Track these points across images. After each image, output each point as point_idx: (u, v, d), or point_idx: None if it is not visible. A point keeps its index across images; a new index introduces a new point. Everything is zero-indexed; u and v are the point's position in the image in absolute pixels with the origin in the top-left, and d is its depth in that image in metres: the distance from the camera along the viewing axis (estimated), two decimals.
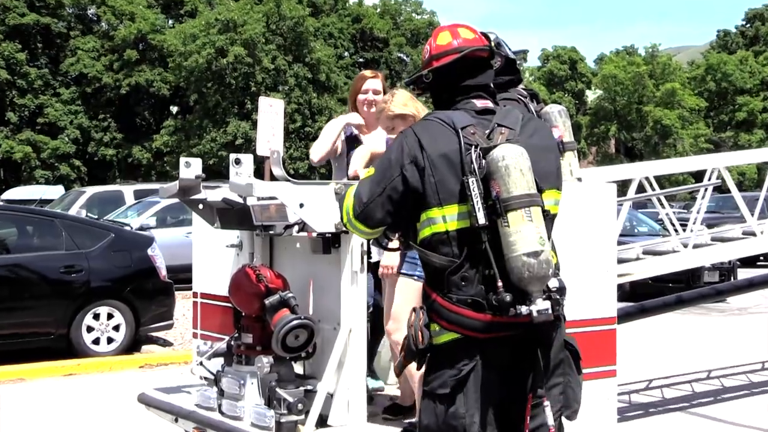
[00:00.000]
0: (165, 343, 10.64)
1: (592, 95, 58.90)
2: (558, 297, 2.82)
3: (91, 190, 21.13)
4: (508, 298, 2.74)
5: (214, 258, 5.05)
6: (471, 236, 2.81)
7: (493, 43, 5.05)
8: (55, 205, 19.58)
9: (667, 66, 54.70)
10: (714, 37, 62.59)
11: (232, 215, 4.60)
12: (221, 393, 4.28)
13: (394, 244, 3.25)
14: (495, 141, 2.87)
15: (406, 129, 3.03)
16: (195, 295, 5.28)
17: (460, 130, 2.88)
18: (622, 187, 7.39)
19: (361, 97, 5.28)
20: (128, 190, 20.19)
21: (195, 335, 5.25)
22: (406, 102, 4.60)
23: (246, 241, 4.73)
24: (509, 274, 2.75)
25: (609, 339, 4.45)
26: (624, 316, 6.98)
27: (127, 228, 11.62)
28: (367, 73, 5.41)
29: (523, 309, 2.74)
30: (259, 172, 5.75)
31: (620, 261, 6.93)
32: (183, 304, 11.45)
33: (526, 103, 4.80)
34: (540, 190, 2.85)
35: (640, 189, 7.86)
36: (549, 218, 2.91)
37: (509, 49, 4.99)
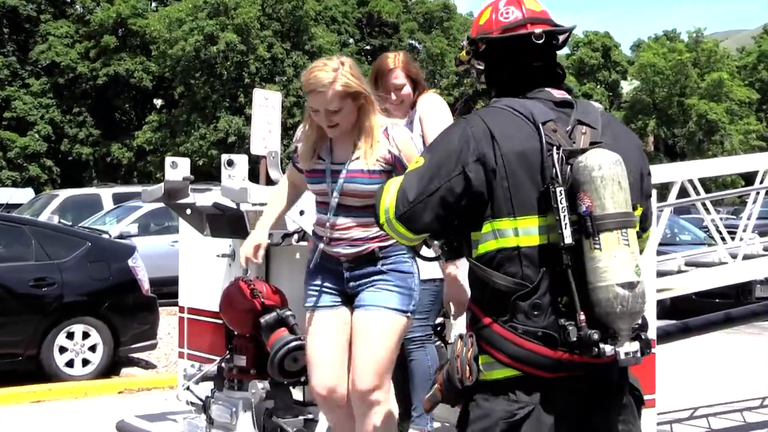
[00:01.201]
0: (147, 366, 10.65)
1: (627, 86, 58.86)
2: (646, 336, 2.66)
3: (64, 194, 21.19)
4: (595, 335, 2.56)
5: (203, 269, 5.07)
6: (549, 256, 2.62)
7: None
8: (24, 210, 19.64)
9: (713, 53, 54.63)
10: (767, 20, 62.56)
11: (224, 222, 4.62)
12: (210, 422, 4.29)
13: (431, 252, 3.00)
14: (578, 143, 2.68)
15: (471, 115, 2.77)
16: (181, 310, 5.30)
17: (541, 126, 2.68)
18: (662, 190, 7.39)
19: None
20: (106, 194, 20.23)
21: (181, 355, 5.27)
22: (359, 75, 3.97)
23: (239, 251, 4.75)
24: (594, 306, 2.57)
25: (647, 365, 4.43)
26: (664, 336, 6.96)
27: (105, 236, 11.64)
28: (390, 60, 4.82)
29: (608, 348, 2.56)
30: (254, 174, 5.76)
31: (660, 274, 6.92)
32: (168, 321, 11.45)
33: None
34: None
35: (683, 193, 7.85)
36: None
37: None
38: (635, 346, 2.60)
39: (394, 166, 3.77)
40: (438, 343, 4.90)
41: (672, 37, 57.58)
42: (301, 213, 3.88)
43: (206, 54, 42.62)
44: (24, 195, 25.68)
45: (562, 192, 2.58)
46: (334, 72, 3.76)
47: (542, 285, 2.63)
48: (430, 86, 4.95)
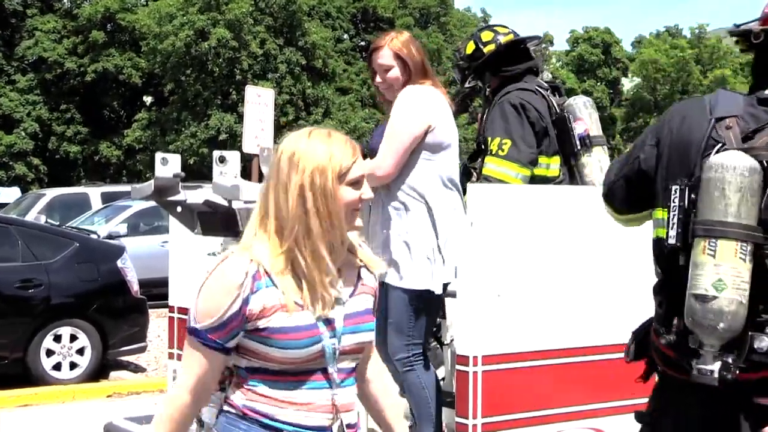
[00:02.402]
0: (137, 369, 10.65)
1: (628, 83, 58.96)
2: (734, 360, 2.57)
3: (51, 193, 21.18)
4: (671, 339, 2.65)
5: (193, 268, 5.07)
6: (669, 253, 2.66)
7: (508, 32, 5.23)
8: (10, 210, 19.63)
9: (716, 50, 54.79)
10: None
11: (216, 220, 4.62)
12: (201, 424, 4.28)
13: None
14: (754, 144, 2.61)
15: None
16: (171, 309, 5.30)
17: (713, 120, 2.66)
18: None
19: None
20: (95, 193, 20.22)
21: (171, 356, 5.27)
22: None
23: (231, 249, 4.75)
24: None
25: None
26: None
27: (94, 236, 11.63)
28: (381, 39, 4.66)
29: (693, 361, 2.58)
30: (246, 172, 5.77)
31: None
32: (158, 323, 11.45)
33: (545, 95, 4.89)
34: None
35: None
36: None
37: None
38: (714, 365, 2.56)
39: None
40: (434, 345, 4.89)
41: (674, 33, 57.73)
42: None
43: (197, 50, 42.56)
44: (10, 194, 25.66)
45: (677, 190, 2.62)
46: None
47: (662, 283, 2.76)
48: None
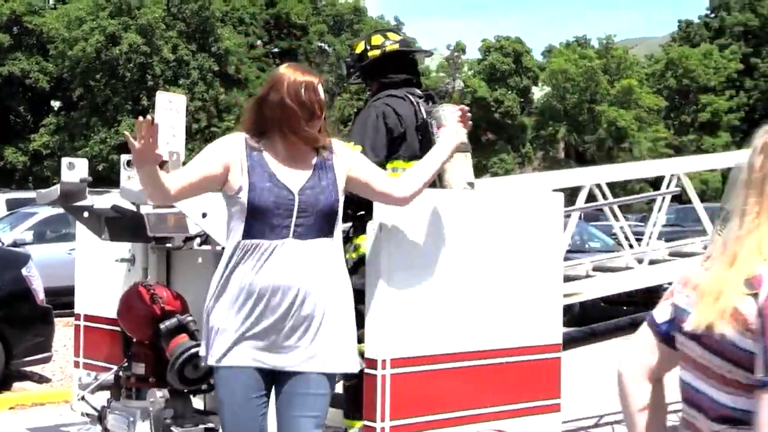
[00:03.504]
0: (41, 380, 10.43)
1: (538, 92, 59.84)
2: None
3: None
4: None
5: (100, 274, 5.01)
6: None
7: (397, 41, 5.35)
8: None
9: (623, 60, 55.92)
10: (675, 28, 64.24)
11: (124, 225, 4.58)
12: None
13: None
14: None
15: None
16: (77, 317, 5.22)
17: None
18: (571, 196, 7.54)
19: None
20: None
21: (77, 365, 5.19)
22: None
23: (139, 255, 4.71)
24: None
25: (552, 369, 4.53)
26: (571, 341, 7.11)
27: None
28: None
29: None
30: None
31: (568, 279, 7.07)
32: (64, 332, 11.25)
33: (413, 101, 5.01)
34: None
35: (591, 198, 8.01)
36: None
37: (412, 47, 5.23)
38: None
39: None
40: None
41: (583, 44, 58.74)
42: (204, 215, 3.86)
43: (108, 55, 41.94)
44: None
45: None
46: None
47: None
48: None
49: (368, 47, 5.18)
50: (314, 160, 3.66)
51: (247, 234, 3.51)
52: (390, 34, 5.29)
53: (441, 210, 4.31)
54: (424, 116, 4.95)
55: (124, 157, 4.16)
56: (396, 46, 5.16)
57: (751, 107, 56.42)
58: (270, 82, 3.69)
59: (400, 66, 5.15)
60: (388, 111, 4.90)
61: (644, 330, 2.53)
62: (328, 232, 3.60)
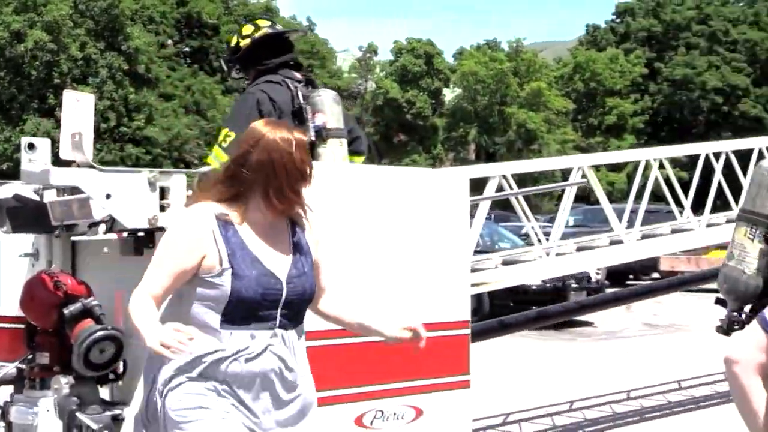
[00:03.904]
0: None
1: (450, 94, 60.33)
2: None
3: None
4: None
5: (2, 271, 4.87)
6: None
7: (266, 26, 5.42)
8: None
9: (532, 63, 56.71)
10: (583, 32, 65.42)
11: (26, 215, 4.44)
12: (9, 427, 4.13)
13: None
14: None
15: None
16: None
17: None
18: (479, 187, 7.61)
19: None
20: None
21: None
22: None
23: (43, 246, 4.58)
24: None
25: (461, 345, 4.57)
26: (482, 333, 7.18)
27: None
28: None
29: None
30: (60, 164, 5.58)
31: (477, 271, 7.14)
32: None
33: (290, 86, 5.07)
34: None
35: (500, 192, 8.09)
36: None
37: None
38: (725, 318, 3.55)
39: None
40: None
41: (493, 47, 59.40)
42: (108, 196, 3.78)
43: (12, 52, 40.96)
44: None
45: None
46: None
47: None
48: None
49: (240, 38, 5.29)
50: (293, 238, 3.38)
51: (229, 322, 3.23)
52: (260, 22, 5.43)
53: (345, 188, 4.31)
54: (301, 101, 5.01)
55: (25, 140, 4.06)
56: (266, 31, 5.25)
57: (655, 111, 57.86)
58: (248, 140, 3.29)
59: (275, 50, 5.24)
60: (262, 97, 4.97)
61: (755, 329, 2.74)
62: (303, 317, 3.44)
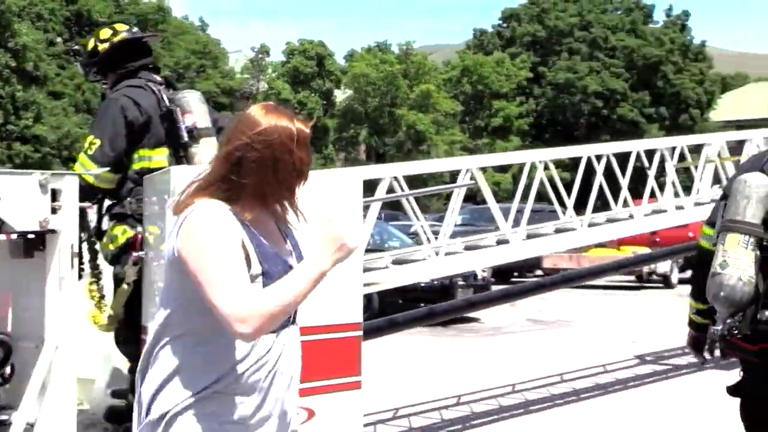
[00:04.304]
0: None
1: (341, 95, 60.37)
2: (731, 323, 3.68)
3: None
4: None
5: None
6: None
7: (124, 30, 5.43)
8: None
9: (421, 66, 57.16)
10: (470, 36, 66.28)
11: None
12: None
13: None
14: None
15: None
16: None
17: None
18: (372, 191, 7.66)
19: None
20: None
21: None
22: None
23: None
24: None
25: (353, 347, 4.59)
26: (372, 332, 7.22)
27: None
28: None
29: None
30: None
31: (368, 270, 7.18)
32: None
33: (154, 89, 5.08)
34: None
35: (391, 193, 8.15)
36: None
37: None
38: (720, 326, 3.63)
39: None
40: None
41: (383, 49, 59.68)
42: None
43: None
44: None
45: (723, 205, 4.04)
46: None
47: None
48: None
49: (98, 42, 5.26)
50: (284, 236, 3.06)
51: None
52: (117, 26, 5.43)
53: None
54: (167, 104, 5.00)
55: None
56: (125, 35, 5.25)
57: (539, 113, 59.07)
58: (241, 128, 2.87)
59: (134, 54, 5.24)
60: (126, 103, 4.96)
61: None
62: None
